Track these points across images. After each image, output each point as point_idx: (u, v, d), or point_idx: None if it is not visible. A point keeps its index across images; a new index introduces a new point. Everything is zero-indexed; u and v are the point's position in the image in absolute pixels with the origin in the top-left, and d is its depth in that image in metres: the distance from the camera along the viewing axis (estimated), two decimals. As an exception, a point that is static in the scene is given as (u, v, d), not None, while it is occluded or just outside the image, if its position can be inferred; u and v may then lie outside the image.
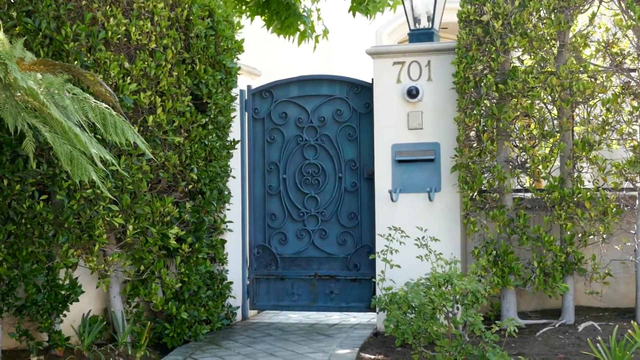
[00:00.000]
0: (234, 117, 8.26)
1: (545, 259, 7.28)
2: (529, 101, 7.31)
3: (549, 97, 7.33)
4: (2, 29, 5.79)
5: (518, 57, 7.52)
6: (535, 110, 7.35)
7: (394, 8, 11.00)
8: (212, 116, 7.76)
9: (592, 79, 7.23)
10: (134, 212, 6.93)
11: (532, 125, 7.45)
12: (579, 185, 7.24)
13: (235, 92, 8.29)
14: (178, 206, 7.39)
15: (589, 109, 7.31)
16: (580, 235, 7.27)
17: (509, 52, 7.44)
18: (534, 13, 7.30)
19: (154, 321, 7.38)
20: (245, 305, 8.61)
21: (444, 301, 6.18)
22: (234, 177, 8.29)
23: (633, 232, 7.23)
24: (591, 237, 7.26)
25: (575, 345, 6.67)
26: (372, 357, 6.93)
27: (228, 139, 8.11)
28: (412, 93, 7.81)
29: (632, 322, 6.64)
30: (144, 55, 7.06)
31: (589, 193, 7.13)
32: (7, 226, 6.35)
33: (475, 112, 7.42)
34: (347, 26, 12.61)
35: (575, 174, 7.30)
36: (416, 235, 6.97)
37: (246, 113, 8.65)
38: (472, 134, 7.57)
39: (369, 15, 11.05)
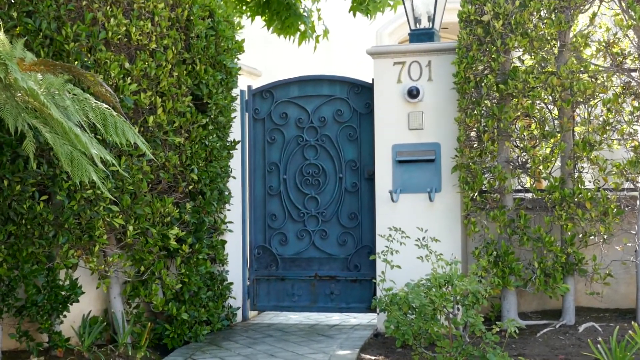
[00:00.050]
0: (235, 117, 8.25)
1: (546, 259, 7.27)
2: (530, 101, 7.31)
3: (550, 97, 7.33)
4: (2, 30, 5.79)
5: (519, 57, 7.51)
6: (536, 111, 7.35)
7: (394, 8, 11.00)
8: (212, 116, 7.76)
9: (593, 79, 7.23)
10: (135, 212, 6.93)
11: (533, 126, 7.44)
12: (579, 185, 7.23)
13: (235, 92, 8.29)
14: (178, 207, 7.38)
15: (589, 109, 7.30)
16: (580, 235, 7.26)
17: (509, 52, 7.44)
18: (535, 13, 7.30)
19: (154, 322, 7.37)
20: (246, 306, 8.61)
21: (444, 302, 6.17)
22: (234, 177, 8.28)
23: (634, 232, 7.22)
24: (592, 237, 7.25)
25: (576, 346, 6.67)
26: (373, 358, 6.93)
27: (228, 139, 8.11)
28: (413, 93, 7.80)
29: (632, 322, 6.63)
30: (145, 56, 7.06)
31: (589, 193, 7.12)
32: (8, 227, 6.34)
33: (475, 112, 7.41)
34: (348, 26, 12.61)
35: (576, 174, 7.30)
36: (417, 236, 6.96)
37: (247, 113, 8.65)
38: (473, 134, 7.57)
39: (369, 15, 11.04)
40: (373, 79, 8.11)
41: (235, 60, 8.20)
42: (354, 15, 11.08)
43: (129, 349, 6.89)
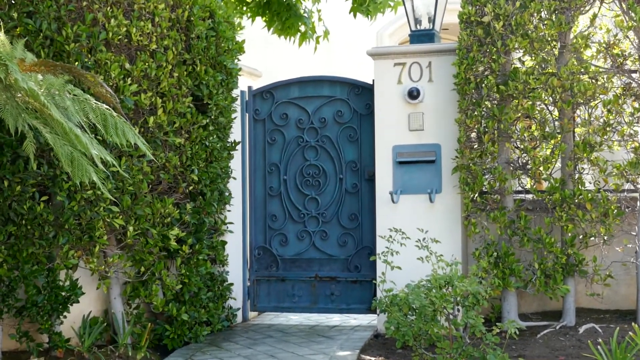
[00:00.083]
0: (235, 118, 8.25)
1: (546, 260, 7.27)
2: (530, 102, 7.31)
3: (550, 98, 7.33)
4: (2, 30, 5.79)
5: (519, 58, 7.51)
6: (536, 112, 7.35)
7: (394, 9, 11.00)
8: (212, 117, 7.76)
9: (593, 80, 7.23)
10: (135, 213, 6.93)
11: (533, 127, 7.44)
12: (580, 186, 7.23)
13: (236, 93, 8.29)
14: (178, 207, 7.38)
15: (590, 110, 7.30)
16: (581, 236, 7.26)
17: (509, 53, 7.44)
18: (535, 14, 7.30)
19: (155, 323, 7.37)
20: (246, 307, 8.61)
21: (444, 303, 6.17)
22: (234, 178, 8.28)
23: (634, 233, 7.22)
24: (592, 238, 7.25)
25: (576, 347, 6.66)
26: (373, 359, 6.92)
27: (229, 140, 8.11)
28: (413, 94, 7.80)
29: (633, 324, 6.63)
30: (145, 56, 7.06)
31: (590, 194, 7.12)
32: (8, 227, 6.34)
33: (476, 113, 7.41)
34: (348, 27, 12.61)
35: (577, 176, 7.30)
36: (417, 237, 6.96)
37: (247, 114, 8.65)
38: (473, 135, 7.57)
39: (369, 16, 11.05)
40: (373, 80, 8.11)
41: (236, 61, 8.20)
42: (355, 16, 11.09)
43: (129, 349, 6.89)
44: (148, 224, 7.01)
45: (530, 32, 7.26)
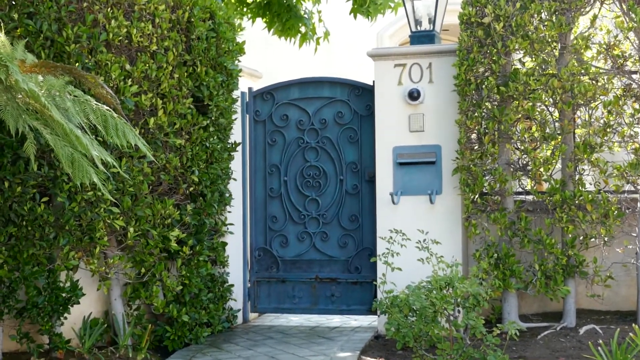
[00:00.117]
0: (235, 119, 8.25)
1: (547, 261, 7.27)
2: (530, 103, 7.31)
3: (550, 100, 7.33)
4: (3, 31, 5.79)
5: (519, 60, 7.51)
6: (537, 113, 7.35)
7: (395, 10, 11.01)
8: (213, 118, 7.76)
9: (594, 81, 7.23)
10: (135, 214, 6.93)
11: (534, 128, 7.44)
12: (580, 187, 7.23)
13: (236, 94, 8.29)
14: (179, 208, 7.38)
15: (590, 112, 7.30)
16: (581, 238, 7.26)
17: (510, 54, 7.44)
18: (535, 15, 7.30)
19: (155, 324, 7.37)
20: (246, 308, 8.61)
21: (445, 304, 6.17)
22: (235, 179, 8.28)
23: (634, 234, 7.22)
24: (592, 239, 7.25)
25: (577, 348, 6.66)
26: None
27: (229, 141, 8.11)
28: (413, 95, 7.80)
29: (633, 325, 6.63)
30: (145, 57, 7.06)
31: (590, 196, 7.12)
32: (8, 228, 6.34)
33: (476, 114, 7.41)
34: (348, 28, 12.62)
35: (577, 177, 7.30)
36: (417, 238, 6.96)
37: (247, 115, 8.65)
38: (474, 136, 7.57)
39: (370, 18, 11.05)
40: (374, 81, 8.11)
41: (236, 62, 8.20)
42: (355, 17, 11.09)
43: (130, 350, 6.89)
44: (148, 225, 7.01)
45: (530, 33, 7.26)
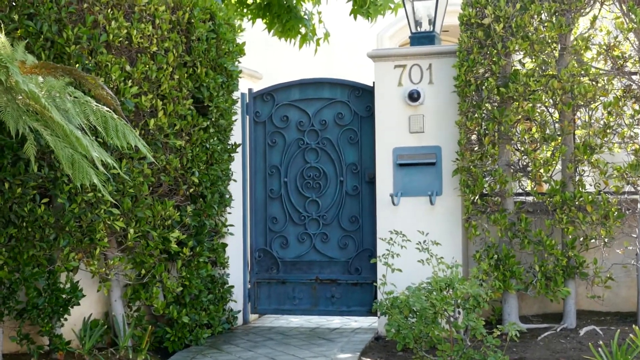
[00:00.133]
0: (235, 120, 8.25)
1: (547, 262, 7.27)
2: (531, 104, 7.31)
3: (551, 101, 7.32)
4: (3, 32, 5.79)
5: (519, 60, 7.51)
6: (537, 114, 7.35)
7: (395, 11, 11.02)
8: (213, 119, 7.76)
9: (594, 82, 7.23)
10: (135, 215, 6.93)
11: (534, 129, 7.44)
12: (580, 188, 7.23)
13: (236, 95, 8.29)
14: (179, 210, 7.38)
15: (590, 112, 7.30)
16: (581, 239, 7.26)
17: (510, 55, 7.44)
18: (535, 16, 7.29)
19: (155, 325, 7.37)
20: (247, 309, 8.60)
21: (445, 305, 6.17)
22: (235, 180, 8.28)
23: (635, 235, 7.21)
24: (593, 241, 7.25)
25: (577, 349, 6.66)
26: (374, 361, 6.93)
27: (229, 142, 8.11)
28: (414, 96, 7.80)
29: (633, 326, 6.63)
30: (146, 59, 7.06)
31: (590, 197, 7.12)
32: (8, 229, 6.35)
33: (476, 115, 7.41)
34: (349, 29, 12.62)
35: (577, 178, 7.29)
36: (417, 239, 6.96)
37: (247, 116, 8.65)
38: (474, 137, 7.57)
39: (370, 19, 11.06)
40: (374, 82, 8.11)
41: (236, 63, 8.19)
42: (355, 18, 11.10)
43: (130, 352, 6.89)
44: (149, 227, 7.01)
45: (530, 34, 7.26)
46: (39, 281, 6.47)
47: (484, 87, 7.36)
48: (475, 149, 7.50)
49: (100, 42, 6.75)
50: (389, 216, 7.81)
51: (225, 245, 8.04)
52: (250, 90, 8.70)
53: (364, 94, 8.38)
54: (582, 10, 7.28)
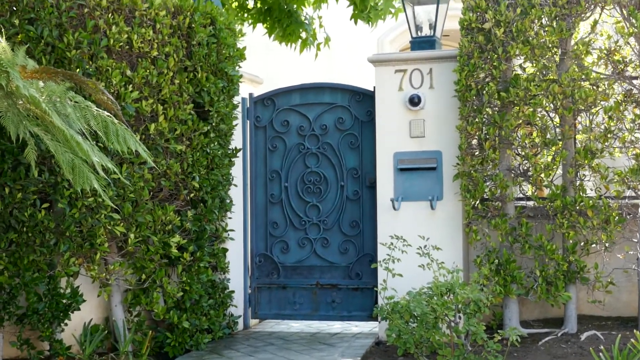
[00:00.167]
0: (236, 125, 8.24)
1: (548, 267, 7.26)
2: (531, 109, 7.31)
3: (551, 105, 7.32)
4: (4, 37, 5.79)
5: (520, 65, 7.51)
6: (538, 118, 7.35)
7: (395, 16, 11.03)
8: (214, 124, 7.76)
9: (594, 87, 7.23)
10: (136, 220, 6.93)
11: (534, 134, 7.44)
12: (581, 193, 7.23)
13: (237, 100, 8.28)
14: (180, 214, 7.38)
15: (591, 117, 7.30)
16: (582, 243, 7.25)
17: (510, 59, 7.44)
18: (536, 21, 7.30)
19: (156, 330, 7.36)
20: (247, 314, 8.59)
21: (446, 310, 6.17)
22: (235, 185, 8.28)
23: (635, 240, 7.21)
24: (593, 245, 7.24)
25: (578, 354, 6.65)
26: (374, 366, 6.92)
27: (230, 147, 8.10)
28: (414, 101, 7.80)
29: (634, 331, 6.61)
30: (146, 63, 7.06)
31: (591, 201, 7.12)
32: (9, 234, 6.34)
33: (477, 120, 7.41)
34: (349, 34, 12.63)
35: (578, 182, 7.29)
36: (418, 244, 6.96)
37: (248, 121, 8.65)
38: (474, 142, 7.56)
39: (370, 23, 11.07)
40: (374, 87, 8.11)
41: (237, 67, 8.20)
42: (356, 22, 11.11)
43: (130, 357, 6.88)
44: (149, 231, 7.01)
45: (531, 38, 7.26)
46: (40, 286, 6.46)
47: (484, 92, 7.36)
48: (476, 153, 7.50)
49: (100, 47, 6.75)
50: (390, 221, 7.81)
51: (225, 250, 8.04)
52: (250, 94, 8.70)
53: (364, 99, 8.38)
54: (582, 15, 7.29)
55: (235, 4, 11.18)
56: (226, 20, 8.04)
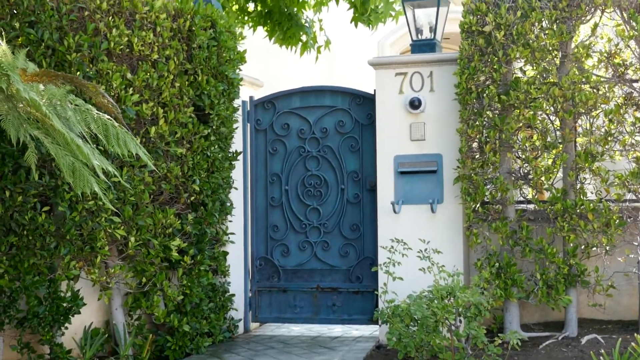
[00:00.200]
0: (237, 128, 8.25)
1: (548, 271, 7.26)
2: (532, 112, 7.30)
3: (552, 108, 7.32)
4: (4, 40, 5.79)
5: (520, 68, 7.51)
6: (538, 121, 7.34)
7: (396, 19, 11.03)
8: (214, 127, 7.76)
9: (595, 90, 7.22)
10: (136, 223, 6.93)
11: (535, 137, 7.44)
12: (581, 196, 7.22)
13: (237, 103, 8.29)
14: (180, 218, 7.38)
15: (591, 120, 7.30)
16: (583, 247, 7.25)
17: (511, 62, 7.44)
18: (536, 24, 7.30)
19: (156, 334, 7.36)
20: (247, 318, 8.59)
21: (446, 314, 6.17)
22: (236, 188, 8.28)
23: (636, 244, 7.21)
24: (594, 249, 7.23)
25: (579, 358, 6.65)
26: (375, 369, 6.91)
27: (230, 150, 8.10)
28: (415, 104, 7.80)
29: (635, 334, 6.61)
30: (147, 66, 7.07)
31: (591, 204, 7.11)
32: (9, 238, 6.34)
33: (477, 123, 7.41)
34: (349, 37, 12.63)
35: (578, 186, 7.29)
36: (419, 247, 6.96)
37: (248, 124, 8.65)
38: (475, 145, 7.56)
39: (371, 26, 11.08)
40: (375, 90, 8.11)
41: (237, 70, 8.20)
42: (356, 25, 11.11)
43: (130, 360, 6.88)
44: (149, 235, 7.00)
45: (531, 41, 7.26)
46: (40, 290, 6.46)
47: (485, 95, 7.36)
48: (477, 156, 7.50)
49: (101, 50, 6.75)
50: (390, 224, 7.81)
51: (226, 253, 8.03)
52: (251, 97, 8.70)
53: (365, 102, 8.38)
54: (582, 18, 7.29)
55: (235, 7, 11.18)
56: (226, 23, 8.05)
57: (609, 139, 7.19)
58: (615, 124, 7.19)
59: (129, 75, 6.93)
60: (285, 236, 8.57)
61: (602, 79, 7.25)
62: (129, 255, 6.99)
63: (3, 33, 6.14)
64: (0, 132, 5.75)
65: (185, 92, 7.45)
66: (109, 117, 5.75)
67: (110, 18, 6.86)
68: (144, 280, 7.07)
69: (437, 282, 6.45)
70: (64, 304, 6.57)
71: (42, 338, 6.51)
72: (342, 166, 8.42)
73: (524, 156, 7.43)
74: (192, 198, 7.54)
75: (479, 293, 6.38)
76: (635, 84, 7.22)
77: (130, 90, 6.92)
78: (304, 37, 11.18)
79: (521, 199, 7.62)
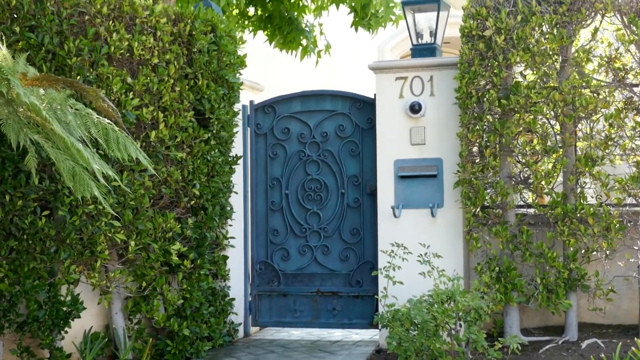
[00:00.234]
0: (237, 132, 8.24)
1: (549, 275, 7.25)
2: (532, 116, 7.31)
3: (552, 113, 7.32)
4: (5, 44, 5.80)
5: (520, 72, 7.51)
6: (538, 126, 7.34)
7: (396, 23, 11.04)
8: (214, 131, 7.76)
9: (595, 94, 7.23)
10: (136, 228, 6.92)
11: (535, 141, 7.44)
12: (582, 201, 7.22)
13: (237, 107, 8.28)
14: (180, 222, 7.37)
15: (591, 124, 7.30)
16: (583, 251, 7.24)
17: (511, 67, 7.44)
18: (537, 28, 7.30)
19: (156, 338, 7.35)
20: (247, 322, 8.58)
21: (446, 318, 6.16)
22: (236, 192, 8.27)
23: (636, 248, 7.20)
24: (594, 253, 7.23)
25: (579, 362, 6.65)
26: (375, 373, 6.91)
27: (230, 154, 8.10)
28: (415, 108, 7.80)
29: (635, 339, 6.60)
30: (147, 71, 7.07)
31: (592, 209, 7.11)
32: (9, 242, 6.33)
33: (477, 127, 7.41)
34: (350, 41, 12.65)
35: (578, 190, 7.29)
36: (419, 252, 6.95)
37: (249, 128, 8.65)
38: (475, 149, 7.56)
39: (371, 30, 11.09)
40: (375, 94, 8.11)
41: (238, 75, 8.20)
42: (356, 30, 11.12)
43: (130, 364, 6.87)
44: (149, 239, 7.00)
45: (531, 46, 7.26)
46: (40, 294, 6.45)
47: (485, 99, 7.36)
48: (477, 161, 7.50)
49: (101, 54, 6.76)
50: (390, 228, 7.80)
51: (226, 257, 8.03)
52: (251, 102, 8.70)
53: (365, 106, 8.38)
54: (583, 22, 7.29)
55: (236, 11, 11.19)
56: (227, 28, 8.04)
57: (609, 143, 7.19)
58: (615, 129, 7.19)
59: (129, 80, 6.93)
60: (285, 240, 8.56)
61: (602, 84, 7.26)
62: (129, 260, 6.99)
63: (3, 37, 6.14)
64: (1, 136, 5.76)
65: (185, 96, 7.45)
66: (109, 121, 5.75)
67: (111, 22, 6.87)
68: (144, 284, 7.06)
69: (437, 287, 6.44)
70: (64, 308, 6.57)
71: (42, 342, 6.50)
72: (342, 170, 8.42)
73: (524, 160, 7.43)
74: (192, 202, 7.54)
75: (479, 297, 6.38)
76: (635, 89, 7.22)
77: (131, 95, 6.92)
78: (304, 42, 11.19)
79: (521, 203, 7.62)
